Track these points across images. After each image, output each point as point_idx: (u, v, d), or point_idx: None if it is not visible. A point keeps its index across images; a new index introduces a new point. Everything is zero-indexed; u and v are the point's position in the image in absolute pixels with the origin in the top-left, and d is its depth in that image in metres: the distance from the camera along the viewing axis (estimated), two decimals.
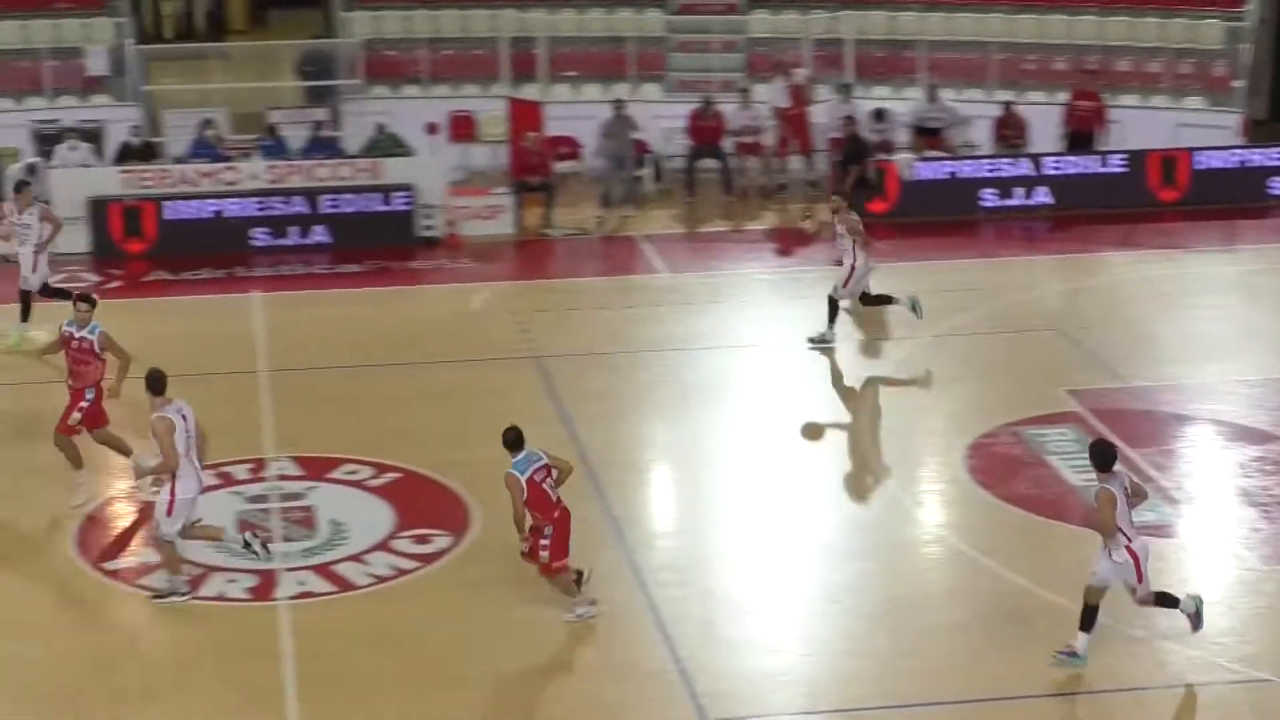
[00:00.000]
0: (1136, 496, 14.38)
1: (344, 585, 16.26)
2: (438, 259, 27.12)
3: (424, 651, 15.11)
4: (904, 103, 31.21)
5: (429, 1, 33.11)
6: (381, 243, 27.14)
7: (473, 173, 31.00)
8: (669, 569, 16.63)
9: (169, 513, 15.78)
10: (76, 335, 17.93)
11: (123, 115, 30.54)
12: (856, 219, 22.42)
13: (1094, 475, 14.28)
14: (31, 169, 28.36)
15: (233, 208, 27.23)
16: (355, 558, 16.78)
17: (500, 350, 22.72)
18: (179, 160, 29.01)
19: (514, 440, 15.09)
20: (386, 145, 29.61)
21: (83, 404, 17.90)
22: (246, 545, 16.09)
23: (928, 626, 15.37)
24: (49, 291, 22.78)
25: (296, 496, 18.23)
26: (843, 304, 22.70)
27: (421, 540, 17.00)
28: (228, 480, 18.54)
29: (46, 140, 29.80)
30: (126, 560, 16.81)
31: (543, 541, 15.11)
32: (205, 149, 29.21)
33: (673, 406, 21.05)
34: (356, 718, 14.13)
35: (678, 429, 20.48)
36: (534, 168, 28.95)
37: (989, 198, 29.14)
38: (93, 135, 29.93)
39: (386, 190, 27.62)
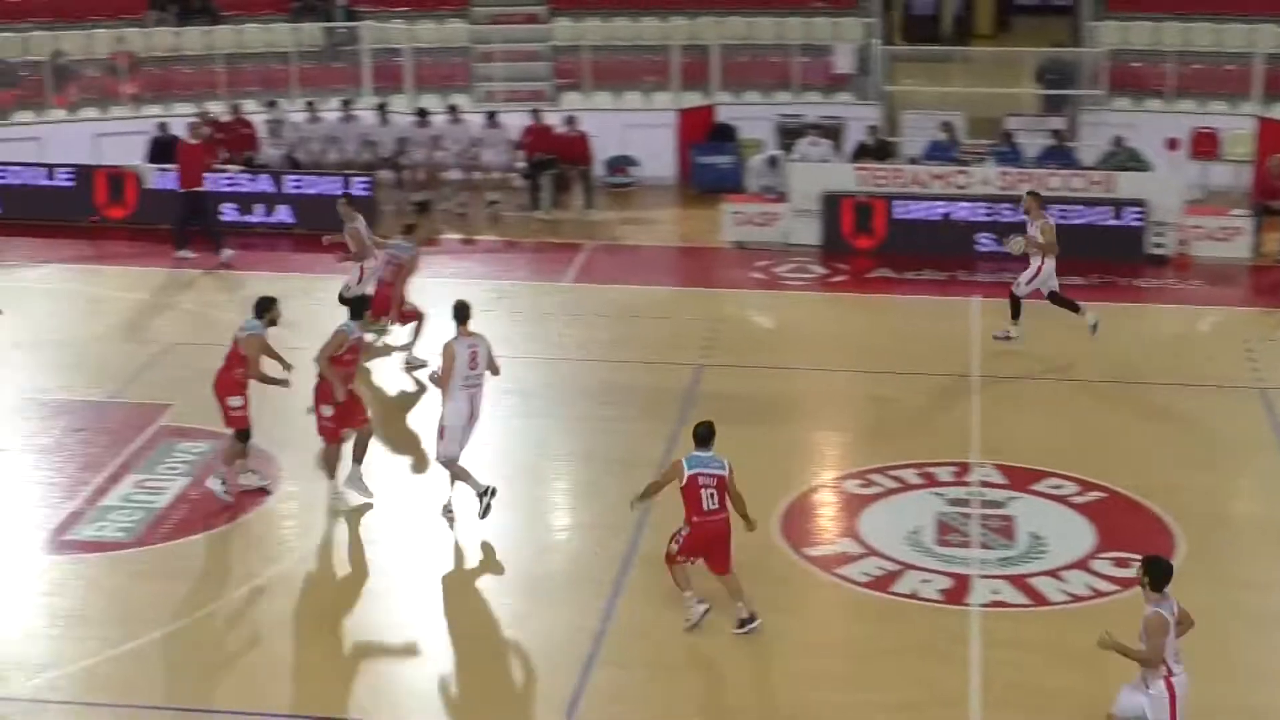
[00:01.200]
0: (1184, 624, 12.70)
1: (1037, 599, 16.03)
2: (1165, 278, 26.34)
3: (1113, 677, 14.69)
4: None
5: (1181, 11, 32.15)
6: (1108, 257, 26.56)
7: (1211, 192, 29.91)
8: None
9: (440, 437, 17.24)
10: (357, 334, 17.91)
11: (862, 114, 31.25)
12: (1045, 221, 22.21)
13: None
14: (773, 161, 29.42)
15: (961, 211, 27.30)
16: (1052, 573, 16.52)
17: (1223, 378, 21.83)
18: (913, 160, 29.38)
19: (703, 436, 15.13)
20: (1123, 159, 28.99)
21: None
22: (480, 496, 17.14)
23: None
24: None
25: (997, 505, 18.10)
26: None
27: (1122, 564, 16.53)
28: (930, 481, 18.62)
29: (789, 134, 30.80)
30: (826, 549, 17.15)
31: (681, 534, 15.13)
32: (940, 151, 29.47)
33: None
34: None
35: None
36: (1277, 191, 27.63)
37: None
38: (833, 132, 30.74)
39: (1118, 204, 27.03)
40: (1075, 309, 22.55)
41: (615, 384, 21.47)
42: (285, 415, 18.88)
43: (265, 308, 17.84)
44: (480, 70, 32.76)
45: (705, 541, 15.15)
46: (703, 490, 14.96)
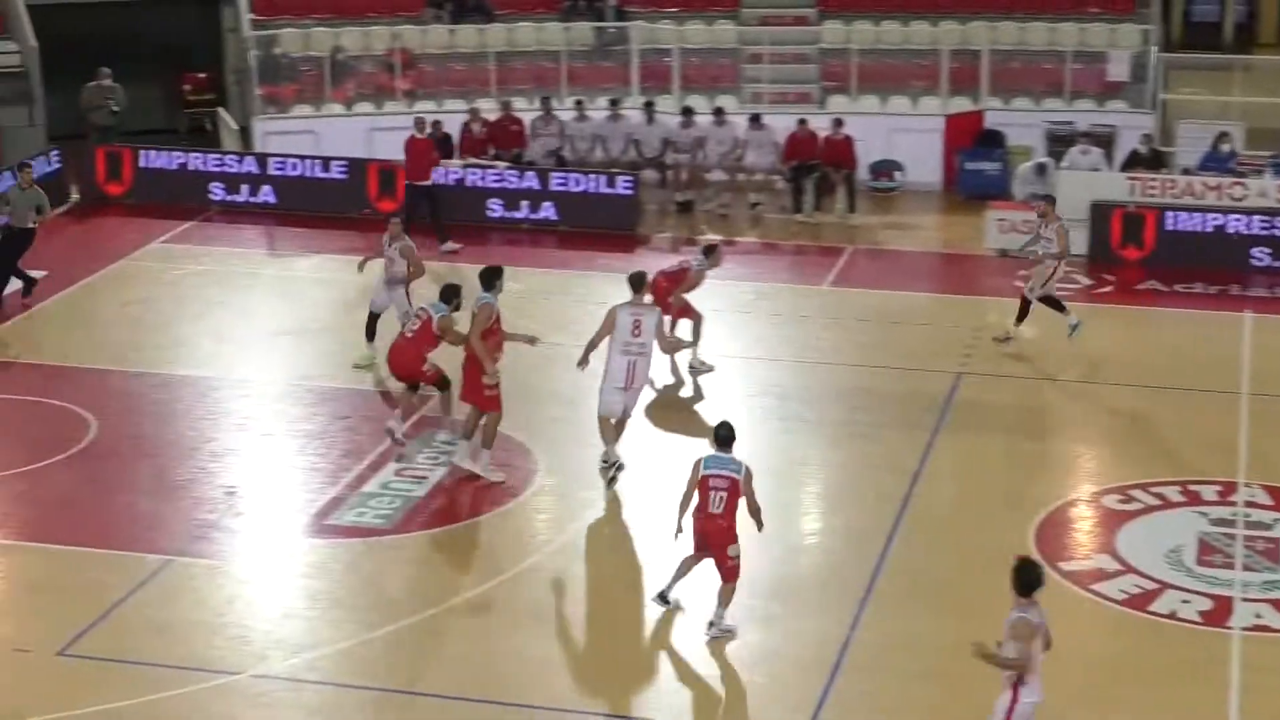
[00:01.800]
0: (1047, 646, 12.11)
1: None
2: None
3: None
4: None
5: None
6: None
7: None
8: None
9: (601, 392, 18.04)
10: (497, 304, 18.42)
11: (1136, 122, 30.49)
12: (1058, 225, 22.43)
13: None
14: (1041, 169, 28.90)
15: (1236, 224, 26.54)
16: None
17: None
18: (1186, 171, 28.62)
19: (724, 437, 15.16)
20: None
21: None
22: (608, 465, 18.03)
23: None
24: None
25: (1264, 526, 17.58)
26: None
27: None
28: (1193, 499, 18.16)
29: (1058, 142, 30.22)
30: (1083, 564, 16.81)
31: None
32: (1216, 162, 28.66)
33: None
34: None
35: None
36: None
37: None
38: (1105, 140, 30.06)
39: None
40: (1061, 309, 22.68)
41: (872, 389, 21.31)
42: (539, 409, 19.09)
43: (452, 294, 18.73)
44: (748, 72, 32.78)
45: (701, 538, 15.15)
46: (712, 492, 14.99)
